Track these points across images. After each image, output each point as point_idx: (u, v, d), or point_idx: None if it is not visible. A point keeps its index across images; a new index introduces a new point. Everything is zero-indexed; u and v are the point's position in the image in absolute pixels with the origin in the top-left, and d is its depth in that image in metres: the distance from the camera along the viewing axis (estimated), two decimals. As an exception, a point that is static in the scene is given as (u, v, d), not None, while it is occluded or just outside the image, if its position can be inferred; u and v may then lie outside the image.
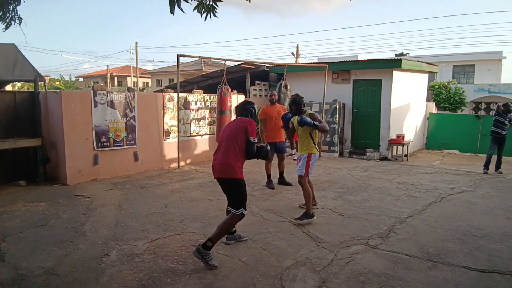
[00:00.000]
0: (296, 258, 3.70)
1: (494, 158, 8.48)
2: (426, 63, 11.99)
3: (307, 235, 4.29)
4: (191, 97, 8.83)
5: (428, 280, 3.29)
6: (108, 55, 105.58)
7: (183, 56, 8.08)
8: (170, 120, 8.33)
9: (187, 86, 13.72)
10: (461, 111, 17.11)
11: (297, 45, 24.88)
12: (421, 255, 3.80)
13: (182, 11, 3.17)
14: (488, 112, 20.70)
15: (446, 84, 17.43)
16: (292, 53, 25.39)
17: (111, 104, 7.16)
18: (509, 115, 8.54)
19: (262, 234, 4.32)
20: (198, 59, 22.85)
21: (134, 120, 7.55)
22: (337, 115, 10.17)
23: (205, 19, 5.04)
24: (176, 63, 8.11)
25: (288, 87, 8.86)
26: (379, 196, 6.05)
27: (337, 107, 10.17)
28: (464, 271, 3.49)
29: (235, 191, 3.69)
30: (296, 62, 22.73)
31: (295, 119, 4.81)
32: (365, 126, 10.45)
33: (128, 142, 7.46)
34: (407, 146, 10.17)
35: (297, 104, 4.90)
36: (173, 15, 3.10)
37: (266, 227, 4.54)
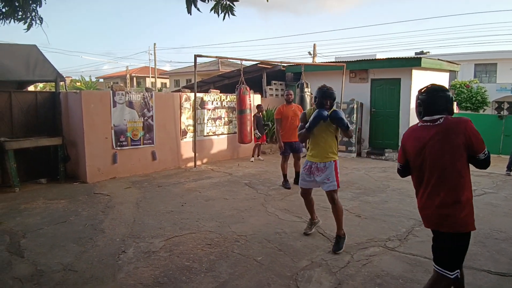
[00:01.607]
0: (312, 259, 3.66)
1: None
2: (447, 61, 11.71)
3: (323, 235, 4.25)
4: (207, 97, 8.87)
5: (448, 284, 3.20)
6: (127, 56, 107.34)
7: (200, 56, 8.14)
8: (187, 119, 8.40)
9: (204, 86, 13.82)
10: (483, 111, 16.64)
11: (314, 44, 24.66)
12: (440, 258, 3.69)
13: (199, 11, 3.18)
14: (511, 112, 20.04)
15: (468, 83, 16.98)
16: (309, 53, 25.21)
17: (130, 104, 7.27)
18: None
19: (278, 234, 4.29)
20: (215, 59, 23.03)
21: (152, 120, 7.64)
22: (355, 115, 10.04)
23: (224, 18, 5.08)
24: (193, 64, 8.17)
25: (309, 85, 8.81)
26: (398, 197, 5.93)
27: (355, 106, 10.04)
28: (485, 275, 3.38)
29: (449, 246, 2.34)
30: (313, 61, 22.55)
31: (316, 113, 3.74)
32: (383, 126, 10.28)
33: (145, 141, 7.55)
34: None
35: (332, 98, 3.88)
36: (190, 14, 3.12)
37: (281, 227, 4.51)
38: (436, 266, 2.33)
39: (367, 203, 5.59)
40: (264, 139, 9.36)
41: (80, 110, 6.67)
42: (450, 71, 12.45)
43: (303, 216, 4.90)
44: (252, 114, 8.75)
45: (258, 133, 8.87)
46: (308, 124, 3.83)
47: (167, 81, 40.02)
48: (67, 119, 7.17)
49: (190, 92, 8.66)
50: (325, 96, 3.87)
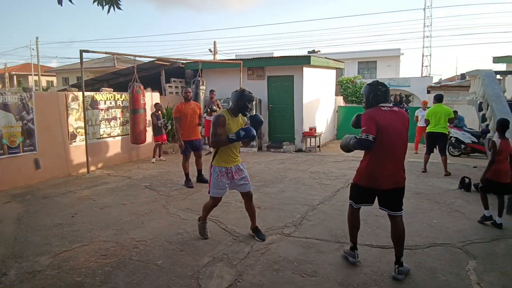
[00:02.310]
0: (213, 254, 3.69)
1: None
2: (333, 59, 12.86)
3: (225, 230, 4.31)
4: (99, 96, 8.25)
5: (336, 261, 3.54)
6: (5, 52, 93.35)
7: (87, 51, 7.50)
8: (75, 121, 7.68)
9: (96, 84, 12.83)
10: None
11: (214, 41, 24.83)
12: (330, 238, 4.06)
13: (71, 2, 2.90)
14: (388, 104, 22.97)
15: (353, 79, 18.93)
16: (210, 50, 25.27)
17: (4, 107, 6.35)
18: (405, 105, 9.60)
19: (180, 235, 4.22)
20: (110, 55, 21.48)
21: (33, 123, 6.79)
22: (254, 111, 10.38)
23: (108, 11, 4.75)
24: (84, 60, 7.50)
25: (204, 83, 8.81)
26: (294, 186, 6.34)
27: (254, 103, 10.38)
28: (368, 249, 3.82)
29: (402, 197, 3.29)
30: (214, 58, 22.64)
31: (249, 132, 3.79)
32: (280, 121, 10.85)
33: (25, 148, 6.69)
34: (319, 138, 10.82)
35: (253, 101, 4.00)
36: (61, 5, 2.82)
37: (183, 227, 4.44)
38: (397, 212, 3.28)
39: (267, 194, 5.85)
40: (165, 138, 9.09)
41: None
42: (336, 68, 13.72)
43: (205, 214, 4.91)
44: (150, 113, 8.43)
45: (167, 124, 8.69)
46: (235, 136, 3.72)
47: (54, 79, 36.00)
48: None
49: (78, 91, 7.93)
50: (250, 100, 3.90)
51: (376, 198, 3.37)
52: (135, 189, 6.29)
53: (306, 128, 10.54)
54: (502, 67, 14.02)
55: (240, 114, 3.93)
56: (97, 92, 8.37)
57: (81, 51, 7.28)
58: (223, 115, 3.81)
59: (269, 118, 10.96)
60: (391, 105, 3.21)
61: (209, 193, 3.94)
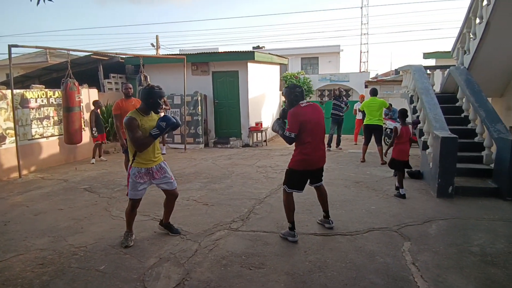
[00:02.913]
0: (160, 255, 3.60)
1: (335, 137, 9.87)
2: (277, 55, 13.09)
3: (171, 229, 4.22)
4: (30, 94, 7.63)
5: (282, 251, 3.63)
6: None
7: (16, 46, 6.88)
8: (4, 122, 7.05)
9: (27, 81, 11.88)
10: (309, 98, 19.35)
11: (157, 36, 23.95)
12: (276, 230, 4.15)
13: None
14: (330, 98, 23.95)
15: (296, 74, 19.42)
16: (152, 44, 24.33)
17: None
18: (345, 99, 10.04)
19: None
20: (42, 50, 19.89)
21: (-50, 125, 6.11)
22: (200, 107, 10.26)
23: (38, 3, 4.39)
24: (13, 55, 6.85)
25: (148, 79, 8.50)
26: (241, 181, 6.38)
27: (199, 98, 10.25)
28: (312, 237, 3.97)
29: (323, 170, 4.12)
30: (156, 53, 21.92)
31: (169, 120, 3.69)
32: (227, 116, 10.84)
33: None
34: (265, 133, 10.98)
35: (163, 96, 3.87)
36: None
37: (127, 229, 4.27)
38: (321, 182, 4.14)
39: (214, 190, 5.83)
40: (104, 138, 8.66)
41: None
42: (280, 64, 13.98)
43: (151, 214, 4.79)
44: (86, 111, 7.97)
45: (96, 132, 8.16)
46: (158, 130, 3.56)
47: (-23, 76, 32.58)
48: None
49: (7, 89, 7.26)
50: (160, 96, 3.73)
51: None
52: (73, 193, 5.93)
53: (252, 123, 10.64)
54: (431, 62, 15.20)
55: (152, 112, 3.77)
56: (28, 90, 7.73)
57: (10, 46, 6.68)
58: (134, 117, 3.59)
59: (215, 114, 10.90)
60: (306, 101, 3.87)
61: (127, 195, 3.83)
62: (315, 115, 3.82)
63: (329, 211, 4.24)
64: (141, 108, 3.73)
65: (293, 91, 3.82)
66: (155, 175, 3.78)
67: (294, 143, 3.84)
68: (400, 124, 5.64)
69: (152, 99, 3.66)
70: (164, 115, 3.73)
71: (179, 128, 10.09)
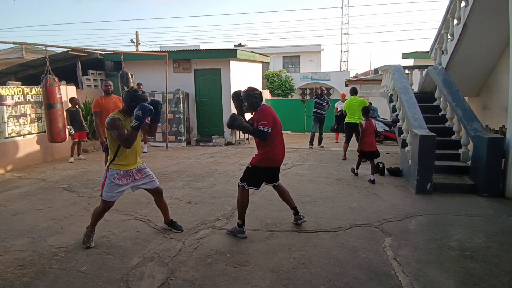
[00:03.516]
0: (143, 255, 3.56)
1: (317, 135, 9.98)
2: (259, 54, 13.09)
3: (154, 229, 4.18)
4: (5, 91, 7.38)
5: (267, 248, 3.66)
6: None
7: (-13, 41, 6.64)
8: (-23, 120, 6.79)
9: (2, 77, 11.50)
10: (291, 97, 19.51)
11: (137, 32, 23.54)
12: (260, 227, 4.18)
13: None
14: (311, 97, 24.19)
15: (278, 73, 19.52)
16: (132, 41, 23.88)
17: None
18: (326, 98, 10.16)
19: (105, 237, 3.98)
20: (17, 45, 19.23)
21: None
22: (181, 105, 10.17)
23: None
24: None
25: (133, 76, 8.34)
26: (224, 179, 6.37)
27: (181, 96, 10.16)
28: (296, 235, 4.01)
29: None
30: (136, 50, 21.54)
31: (144, 106, 3.48)
32: (209, 114, 10.79)
33: None
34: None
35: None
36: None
37: (109, 229, 4.20)
38: (279, 181, 4.17)
39: (197, 189, 5.80)
40: (84, 136, 8.47)
41: None
42: (262, 62, 14.00)
43: (133, 213, 4.72)
44: (65, 109, 7.77)
45: (73, 130, 7.97)
46: (137, 121, 3.41)
47: None
48: None
49: (-21, 85, 7.01)
50: (143, 100, 3.58)
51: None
52: (52, 192, 5.78)
53: (234, 121, 10.61)
54: (410, 62, 15.55)
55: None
56: (3, 87, 7.47)
57: (-21, 40, 6.42)
58: (117, 117, 3.56)
59: (197, 112, 10.83)
60: (265, 103, 4.00)
61: (101, 195, 3.75)
62: (276, 115, 4.00)
63: (296, 207, 4.26)
64: (123, 109, 3.68)
65: (252, 93, 3.88)
66: (135, 176, 3.74)
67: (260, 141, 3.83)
68: (364, 120, 6.39)
69: (134, 102, 3.57)
70: (139, 104, 3.54)
71: (161, 125, 10.00)
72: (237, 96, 4.02)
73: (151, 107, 3.51)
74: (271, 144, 3.83)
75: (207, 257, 3.49)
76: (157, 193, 3.96)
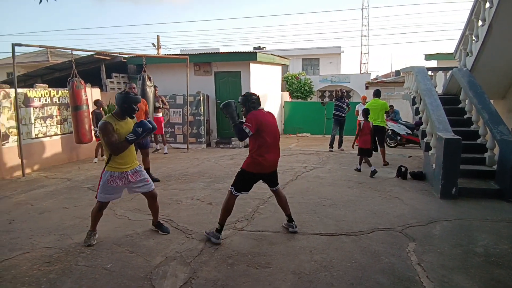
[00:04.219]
0: (166, 254, 3.61)
1: (337, 138, 9.89)
2: (279, 56, 13.11)
3: (176, 229, 4.24)
4: (33, 93, 7.65)
5: (288, 251, 3.65)
6: None
7: (19, 45, 6.90)
8: (7, 121, 7.06)
9: (29, 80, 11.88)
10: (310, 99, 19.40)
11: (158, 35, 24.04)
12: (281, 230, 4.18)
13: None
14: (331, 99, 23.98)
15: (297, 75, 19.45)
16: (153, 44, 24.41)
17: None
18: (346, 100, 10.07)
19: (129, 236, 4.07)
20: (43, 49, 19.91)
21: (-46, 124, 6.12)
22: (202, 107, 10.28)
23: (40, 1, 4.41)
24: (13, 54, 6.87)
25: (152, 79, 8.51)
26: (245, 181, 6.38)
27: (201, 98, 10.27)
28: (317, 237, 3.99)
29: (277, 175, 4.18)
30: (158, 53, 21.94)
31: (145, 125, 3.72)
32: (229, 116, 10.83)
33: None
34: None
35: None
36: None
37: (132, 228, 4.29)
38: (277, 186, 4.14)
39: (218, 190, 5.84)
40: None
41: None
42: (282, 64, 14.01)
43: (155, 213, 4.78)
44: (91, 111, 7.97)
45: (98, 131, 8.17)
46: (134, 136, 3.60)
47: (-22, 75, 32.59)
48: None
49: (10, 87, 7.27)
50: (136, 102, 3.74)
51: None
52: (77, 192, 5.94)
53: (254, 124, 10.65)
54: (433, 64, 15.24)
55: (127, 117, 3.79)
56: (31, 89, 7.75)
57: (13, 45, 6.70)
58: (108, 122, 3.63)
59: (217, 114, 10.92)
60: (263, 108, 3.98)
61: (96, 197, 3.82)
62: (273, 120, 3.95)
63: (291, 215, 4.16)
64: (116, 112, 3.76)
65: (249, 98, 3.86)
66: (130, 178, 3.78)
67: (250, 145, 3.84)
68: (364, 120, 7.15)
69: (126, 104, 3.69)
70: (140, 120, 3.72)
71: (182, 127, 10.14)
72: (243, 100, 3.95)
73: (151, 126, 3.68)
74: (258, 149, 3.77)
75: (229, 257, 3.52)
76: (151, 197, 4.03)
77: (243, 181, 3.87)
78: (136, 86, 6.71)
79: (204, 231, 4.03)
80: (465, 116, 7.19)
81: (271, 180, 4.06)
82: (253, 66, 10.54)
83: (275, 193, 4.14)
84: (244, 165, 3.88)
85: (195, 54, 11.09)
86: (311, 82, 19.56)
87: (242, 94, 3.97)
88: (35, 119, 7.65)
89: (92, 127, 7.95)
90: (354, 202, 5.18)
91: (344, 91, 10.25)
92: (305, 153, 9.38)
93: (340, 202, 5.19)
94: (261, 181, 3.98)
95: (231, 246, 3.77)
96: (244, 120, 3.92)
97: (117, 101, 3.73)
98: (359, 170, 7.22)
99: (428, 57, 14.90)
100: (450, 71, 8.03)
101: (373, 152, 7.27)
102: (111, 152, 3.66)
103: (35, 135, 7.67)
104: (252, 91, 10.46)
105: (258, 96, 3.95)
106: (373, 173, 6.71)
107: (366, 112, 7.23)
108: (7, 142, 7.06)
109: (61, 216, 4.79)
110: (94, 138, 7.82)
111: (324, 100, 22.94)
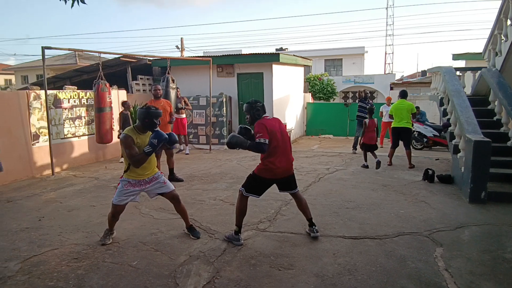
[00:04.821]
0: (190, 253, 3.67)
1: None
2: (301, 57, 13.06)
3: (199, 228, 4.28)
4: (62, 95, 7.93)
5: (311, 253, 3.63)
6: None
7: (49, 48, 7.18)
8: (38, 121, 7.34)
9: (58, 82, 12.33)
10: (333, 100, 19.18)
11: (181, 38, 24.41)
12: (304, 231, 4.15)
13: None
14: (354, 100, 23.64)
15: (320, 76, 19.30)
16: (177, 47, 24.83)
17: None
18: (370, 101, 9.91)
19: (154, 235, 4.16)
20: (71, 52, 20.65)
21: (-9, 124, 6.43)
22: (224, 108, 10.36)
23: (72, 5, 4.57)
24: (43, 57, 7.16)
25: (175, 81, 8.67)
26: (267, 182, 6.38)
27: (224, 100, 10.36)
28: (340, 240, 3.94)
29: (295, 178, 4.06)
30: (181, 55, 22.31)
31: (161, 136, 3.76)
32: (251, 118, 10.88)
33: (-16, 150, 6.32)
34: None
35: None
36: None
37: (157, 227, 4.38)
38: (295, 190, 4.04)
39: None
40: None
41: None
42: (304, 65, 13.94)
43: (179, 212, 4.86)
44: (119, 112, 8.19)
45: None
46: (150, 148, 3.66)
47: (12, 77, 34.09)
48: None
49: (40, 89, 7.58)
50: (157, 116, 3.78)
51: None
52: (104, 190, 6.11)
53: (276, 125, 10.64)
54: (461, 63, 14.77)
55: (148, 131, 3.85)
56: (60, 91, 8.04)
57: (43, 48, 6.97)
58: (129, 135, 3.70)
59: (239, 115, 10.98)
60: (267, 115, 3.93)
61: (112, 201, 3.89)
62: (281, 126, 3.90)
63: (312, 219, 4.05)
64: (137, 126, 3.82)
65: (254, 106, 3.82)
66: (146, 184, 3.89)
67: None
68: (368, 118, 7.62)
69: (148, 119, 3.75)
70: (156, 131, 3.76)
71: (205, 128, 10.25)
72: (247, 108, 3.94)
73: (166, 137, 3.77)
74: (269, 156, 3.72)
75: (251, 258, 3.53)
76: (172, 198, 4.03)
77: (254, 184, 3.85)
78: (161, 87, 6.84)
79: (224, 236, 4.00)
80: (495, 118, 6.94)
81: (288, 184, 3.98)
82: (275, 67, 10.55)
83: (294, 196, 4.07)
84: (255, 170, 3.88)
85: (218, 56, 11.19)
86: (334, 83, 19.36)
87: (247, 102, 3.93)
88: (64, 120, 7.93)
89: (118, 128, 8.18)
90: (378, 205, 5.09)
91: (368, 92, 10.09)
92: (327, 154, 9.29)
93: (364, 204, 5.12)
94: None
95: (254, 246, 3.79)
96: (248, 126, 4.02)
97: (138, 115, 3.79)
98: (366, 166, 7.53)
99: (456, 56, 14.44)
100: (479, 72, 7.78)
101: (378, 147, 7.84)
102: (132, 165, 3.73)
103: (65, 135, 7.94)
104: (274, 92, 10.50)
105: (263, 104, 3.92)
106: (378, 164, 7.16)
107: (370, 111, 7.73)
108: (38, 142, 7.34)
109: (89, 213, 4.94)
110: (116, 138, 8.02)
111: (347, 101, 22.69)
